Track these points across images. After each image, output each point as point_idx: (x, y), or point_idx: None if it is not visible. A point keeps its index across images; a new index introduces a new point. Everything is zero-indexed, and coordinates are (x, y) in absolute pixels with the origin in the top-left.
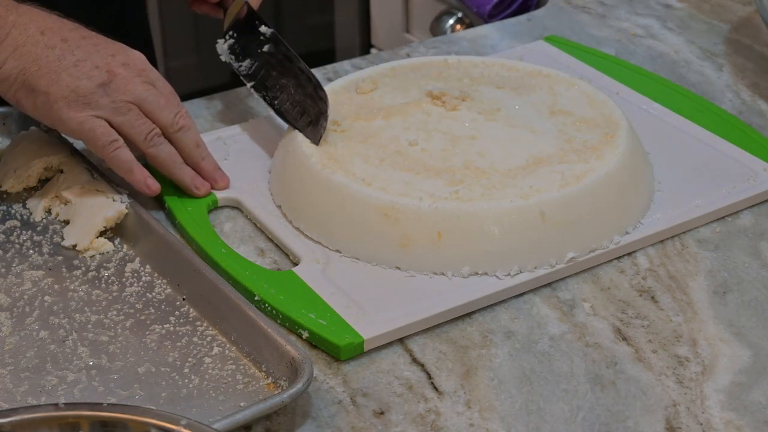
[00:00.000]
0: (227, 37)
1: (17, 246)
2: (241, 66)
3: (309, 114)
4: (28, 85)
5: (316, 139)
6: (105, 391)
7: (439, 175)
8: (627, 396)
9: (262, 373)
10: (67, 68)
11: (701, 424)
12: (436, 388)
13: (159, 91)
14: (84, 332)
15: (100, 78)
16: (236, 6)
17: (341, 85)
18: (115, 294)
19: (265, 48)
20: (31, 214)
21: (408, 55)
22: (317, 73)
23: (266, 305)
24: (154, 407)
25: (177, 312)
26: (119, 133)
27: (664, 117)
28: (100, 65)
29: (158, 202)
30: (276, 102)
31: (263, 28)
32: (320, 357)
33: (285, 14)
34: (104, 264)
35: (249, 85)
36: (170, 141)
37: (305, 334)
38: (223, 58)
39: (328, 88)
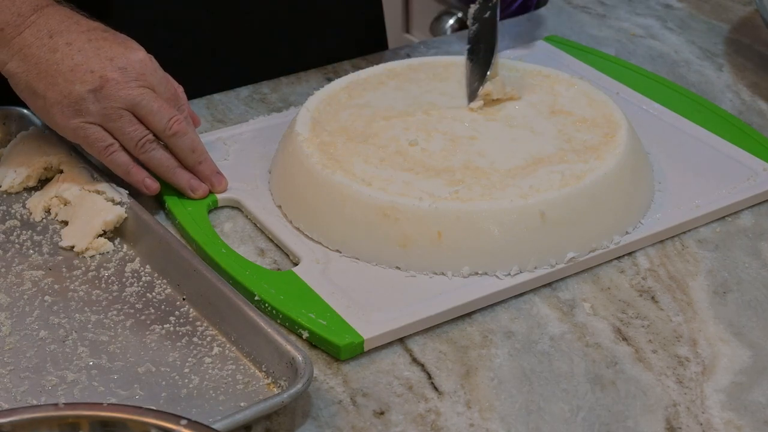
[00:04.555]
0: (477, 3)
1: (17, 246)
2: (471, 30)
3: (476, 76)
4: (30, 86)
5: (469, 99)
6: (105, 391)
7: (439, 175)
8: (627, 396)
9: (262, 373)
10: (64, 72)
11: (701, 424)
12: (436, 388)
13: (156, 94)
14: (84, 332)
15: (93, 83)
16: None
17: (341, 85)
18: (115, 294)
19: (486, 14)
20: (31, 214)
21: (408, 55)
22: (317, 73)
23: (266, 305)
24: (154, 407)
25: (177, 312)
26: (114, 137)
27: (664, 117)
28: (95, 69)
29: (158, 202)
30: (469, 64)
31: None
32: (320, 357)
33: None
34: (104, 264)
35: (466, 47)
36: (167, 145)
37: (305, 334)
38: (468, 23)
39: (328, 88)
